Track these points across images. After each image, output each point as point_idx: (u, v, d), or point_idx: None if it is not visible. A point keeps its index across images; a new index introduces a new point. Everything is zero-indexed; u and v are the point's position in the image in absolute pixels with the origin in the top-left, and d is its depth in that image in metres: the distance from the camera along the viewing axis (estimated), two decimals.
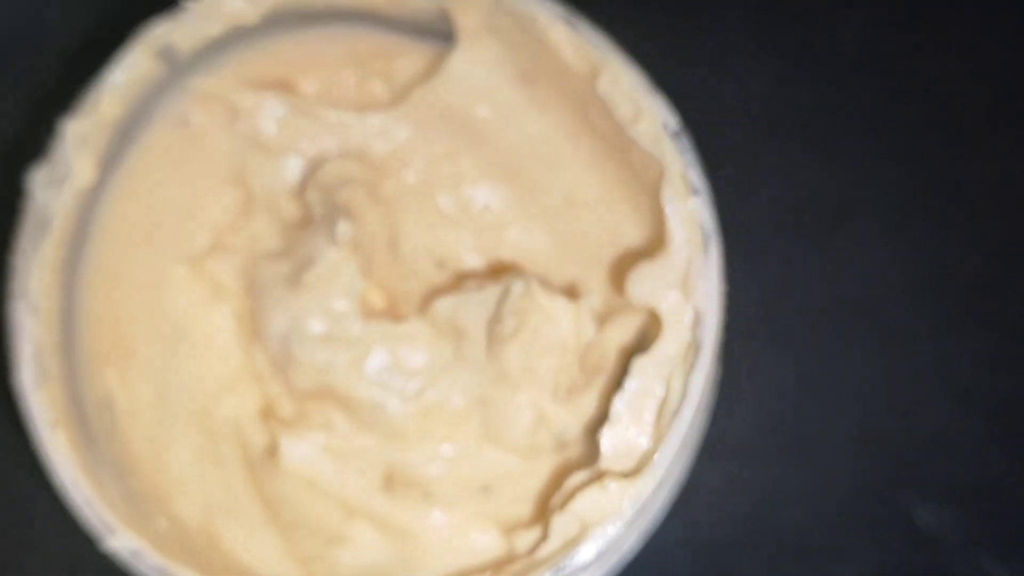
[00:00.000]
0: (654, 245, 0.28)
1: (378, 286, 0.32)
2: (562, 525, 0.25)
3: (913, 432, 0.35)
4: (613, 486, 0.25)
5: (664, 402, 0.26)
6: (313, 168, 0.31)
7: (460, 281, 0.31)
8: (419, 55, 0.32)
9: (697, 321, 0.26)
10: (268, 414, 0.31)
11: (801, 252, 0.36)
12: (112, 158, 0.29)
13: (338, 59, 0.32)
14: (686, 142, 0.26)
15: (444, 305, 0.29)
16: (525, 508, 0.30)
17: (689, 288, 0.26)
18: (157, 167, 0.30)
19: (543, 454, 0.30)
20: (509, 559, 0.27)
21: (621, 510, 0.24)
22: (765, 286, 0.36)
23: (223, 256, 0.32)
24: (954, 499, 0.35)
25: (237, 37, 0.29)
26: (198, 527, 0.29)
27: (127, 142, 0.29)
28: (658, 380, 0.26)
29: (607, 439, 0.26)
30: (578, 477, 0.26)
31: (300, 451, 0.30)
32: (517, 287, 0.28)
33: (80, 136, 0.27)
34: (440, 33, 0.30)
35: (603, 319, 0.30)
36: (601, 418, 0.28)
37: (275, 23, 0.29)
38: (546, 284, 0.29)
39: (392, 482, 0.30)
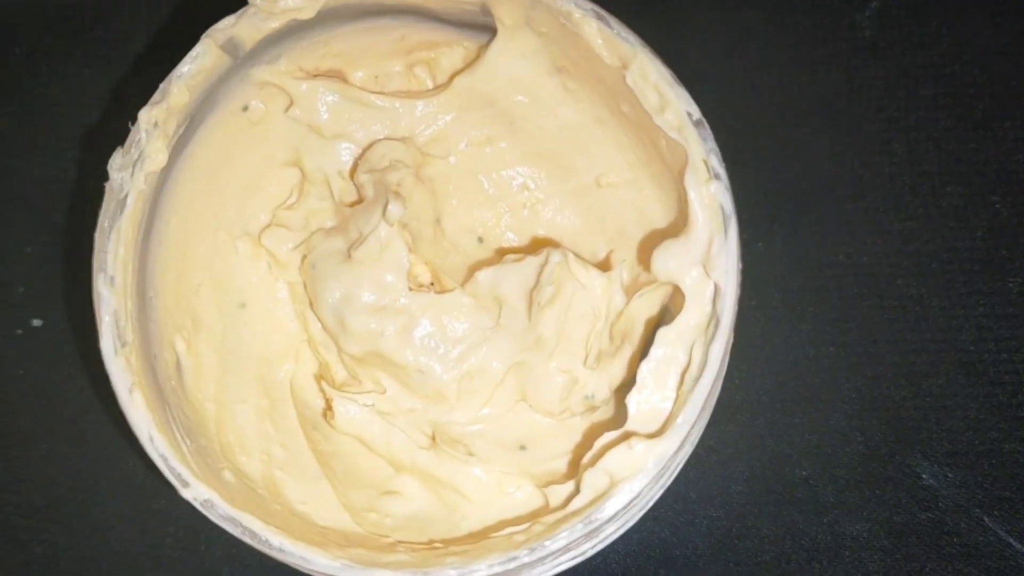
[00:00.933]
0: (678, 225, 0.29)
1: (424, 261, 0.33)
2: (592, 480, 0.27)
3: (918, 397, 0.36)
4: (639, 445, 0.26)
5: (686, 369, 0.27)
6: (363, 150, 0.32)
7: (500, 256, 0.32)
8: (462, 47, 0.33)
9: (717, 295, 0.27)
10: (322, 378, 0.33)
11: (815, 229, 0.37)
12: (180, 142, 0.30)
13: (386, 50, 0.33)
14: (707, 130, 0.28)
15: (486, 276, 0.31)
16: (558, 465, 0.31)
17: (710, 265, 0.27)
18: (220, 150, 0.32)
19: (574, 416, 0.32)
20: (544, 511, 0.29)
21: (646, 467, 0.26)
22: (780, 261, 0.37)
23: (280, 232, 0.33)
24: (958, 461, 0.36)
25: (294, 30, 0.30)
26: (260, 480, 0.31)
27: (194, 127, 0.30)
28: (681, 349, 0.28)
29: (634, 403, 0.28)
30: (607, 437, 0.27)
31: (352, 412, 0.32)
32: (555, 257, 0.30)
33: (152, 123, 0.28)
34: (481, 27, 0.32)
35: (631, 292, 0.31)
36: (628, 383, 0.30)
37: (328, 17, 0.30)
38: (580, 258, 0.30)
39: (437, 442, 0.32)
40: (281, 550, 0.26)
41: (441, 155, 0.33)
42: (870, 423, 0.36)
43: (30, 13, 0.37)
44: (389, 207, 0.30)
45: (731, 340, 0.29)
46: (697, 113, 0.28)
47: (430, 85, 0.34)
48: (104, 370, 0.27)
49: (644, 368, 0.28)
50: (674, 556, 0.36)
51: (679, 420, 0.26)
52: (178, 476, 0.26)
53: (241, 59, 0.30)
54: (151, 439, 0.27)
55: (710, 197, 0.27)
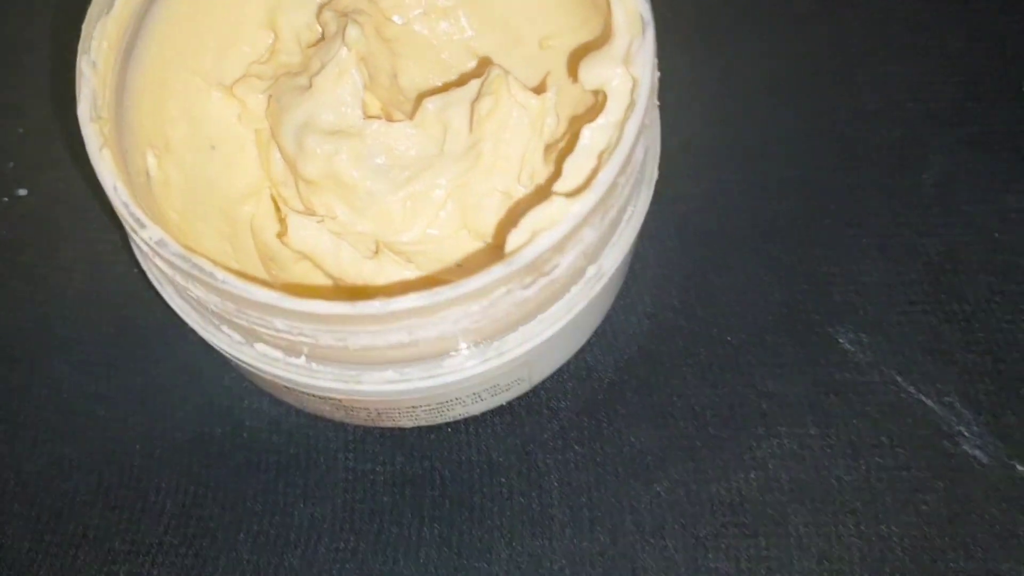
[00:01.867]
0: (604, 37, 0.32)
1: (379, 100, 0.36)
2: (516, 236, 0.28)
3: (838, 271, 0.39)
4: (558, 201, 0.28)
5: (606, 151, 0.30)
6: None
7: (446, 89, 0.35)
8: None
9: (636, 86, 0.30)
10: (280, 208, 0.35)
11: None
12: None
13: None
14: None
15: (433, 102, 0.34)
16: None
17: (630, 63, 0.30)
18: (203, 3, 0.35)
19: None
20: None
21: (563, 219, 0.28)
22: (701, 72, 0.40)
23: (252, 83, 0.36)
24: (872, 328, 0.38)
25: None
26: None
27: None
28: (603, 140, 0.30)
29: (559, 187, 0.30)
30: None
31: (304, 230, 0.34)
32: (494, 71, 0.32)
33: None
34: None
35: (569, 121, 0.34)
36: None
37: None
38: (519, 81, 0.33)
39: (380, 253, 0.34)
40: (224, 282, 0.27)
41: (400, 17, 0.36)
42: (795, 293, 0.38)
43: None
44: (348, 30, 0.33)
45: (652, 158, 0.31)
46: None
47: None
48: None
49: (569, 161, 0.30)
50: (595, 399, 0.37)
51: (596, 182, 0.28)
52: (136, 219, 0.28)
53: None
54: (115, 188, 0.29)
55: (631, 6, 0.30)
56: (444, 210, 0.34)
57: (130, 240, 0.33)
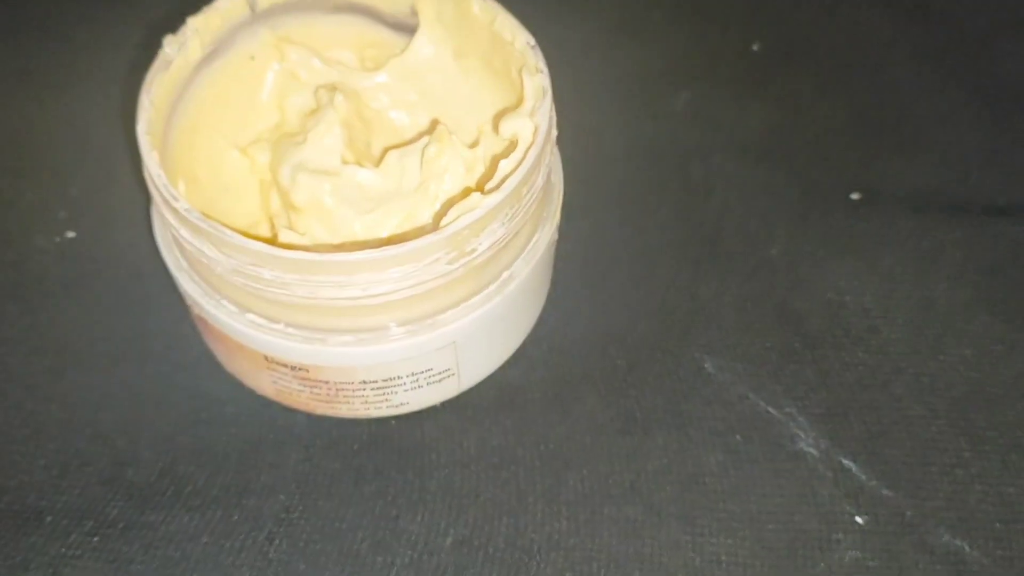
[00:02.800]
0: (517, 103, 0.44)
1: (355, 155, 0.47)
2: (445, 220, 0.39)
3: (697, 301, 0.49)
4: (476, 196, 0.39)
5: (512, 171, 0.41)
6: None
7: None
8: (397, 46, 0.50)
9: (536, 131, 0.41)
10: (273, 231, 0.46)
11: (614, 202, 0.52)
12: (208, 59, 0.45)
13: (348, 41, 0.50)
14: (539, 52, 0.43)
15: (394, 153, 0.45)
16: None
17: (534, 114, 0.42)
18: (230, 80, 0.47)
19: None
20: None
21: (479, 207, 0.39)
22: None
23: (261, 146, 0.48)
24: (730, 353, 0.47)
25: (290, 9, 0.47)
26: None
27: (217, 54, 0.46)
28: (512, 164, 0.41)
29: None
30: None
31: (292, 238, 0.44)
32: (440, 128, 0.44)
33: (195, 27, 0.44)
34: (412, 30, 0.49)
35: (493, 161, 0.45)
36: None
37: (313, 5, 0.47)
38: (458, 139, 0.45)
39: None
40: (231, 236, 0.38)
41: (376, 104, 0.49)
42: (670, 326, 0.48)
43: None
44: (336, 98, 0.45)
45: (555, 198, 0.43)
46: (533, 41, 0.44)
47: (374, 67, 0.50)
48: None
49: (489, 184, 0.42)
50: (514, 404, 0.46)
51: (503, 185, 0.39)
52: (171, 193, 0.39)
53: (256, 16, 0.47)
54: (158, 175, 0.39)
55: (536, 83, 0.43)
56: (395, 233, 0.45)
57: (157, 233, 0.44)
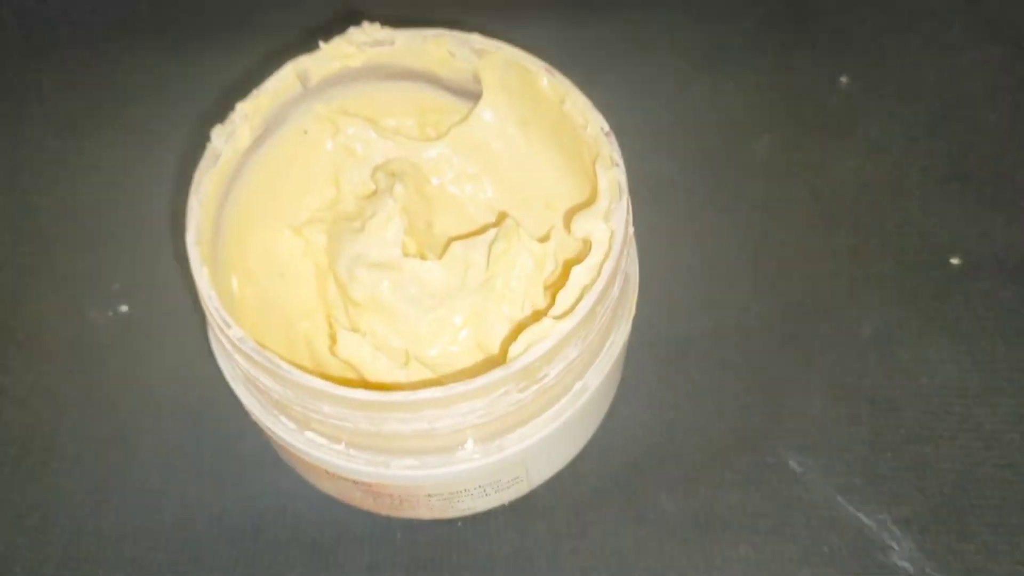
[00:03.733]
0: (591, 200, 0.40)
1: (416, 243, 0.44)
2: (515, 349, 0.36)
3: (786, 401, 0.45)
4: (547, 321, 0.36)
5: (588, 286, 0.37)
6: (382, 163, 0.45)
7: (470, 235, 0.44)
8: (459, 113, 0.46)
9: (612, 237, 0.38)
10: (331, 324, 0.43)
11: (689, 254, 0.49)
12: (259, 140, 0.42)
13: (406, 108, 0.46)
14: (613, 138, 0.40)
15: (459, 245, 0.42)
16: None
17: (608, 218, 0.38)
18: (283, 158, 0.44)
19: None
20: None
21: (550, 336, 0.36)
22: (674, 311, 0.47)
23: (315, 226, 0.45)
24: (818, 451, 0.44)
25: (345, 80, 0.44)
26: None
27: (269, 133, 0.43)
28: (588, 277, 0.38)
29: (552, 313, 0.38)
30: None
31: (351, 342, 0.42)
32: (509, 222, 0.41)
33: (244, 113, 0.41)
34: (474, 95, 0.45)
35: (561, 263, 0.42)
36: None
37: (368, 75, 0.44)
38: (528, 232, 0.42)
39: (409, 364, 0.41)
40: (289, 372, 0.35)
41: (437, 179, 0.45)
42: (748, 420, 0.45)
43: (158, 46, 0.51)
44: (395, 188, 0.42)
45: (630, 296, 0.39)
46: (607, 127, 0.40)
47: (435, 135, 0.46)
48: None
49: (561, 294, 0.38)
50: (584, 503, 0.44)
51: (578, 307, 0.36)
52: (224, 320, 0.36)
53: (308, 91, 0.43)
54: (209, 296, 0.37)
55: (611, 177, 0.39)
56: (463, 331, 0.42)
57: (212, 342, 0.41)
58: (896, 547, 0.42)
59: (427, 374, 0.41)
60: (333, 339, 0.43)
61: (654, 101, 0.53)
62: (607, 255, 0.38)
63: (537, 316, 0.41)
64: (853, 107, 0.54)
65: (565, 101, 0.41)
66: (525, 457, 0.40)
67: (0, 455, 0.45)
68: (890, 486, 0.43)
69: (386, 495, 0.41)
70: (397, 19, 0.43)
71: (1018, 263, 0.48)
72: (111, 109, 0.56)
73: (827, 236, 0.50)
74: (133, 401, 0.47)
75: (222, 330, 0.36)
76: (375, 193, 0.44)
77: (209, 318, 0.37)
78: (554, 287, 0.41)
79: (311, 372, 0.36)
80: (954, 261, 0.49)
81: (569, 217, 0.42)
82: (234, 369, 0.40)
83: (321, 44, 0.42)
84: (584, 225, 0.39)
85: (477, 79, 0.44)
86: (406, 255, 0.43)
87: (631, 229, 0.39)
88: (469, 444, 0.38)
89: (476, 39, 0.42)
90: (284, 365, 0.35)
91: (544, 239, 0.42)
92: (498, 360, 0.41)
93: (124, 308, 0.50)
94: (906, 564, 0.41)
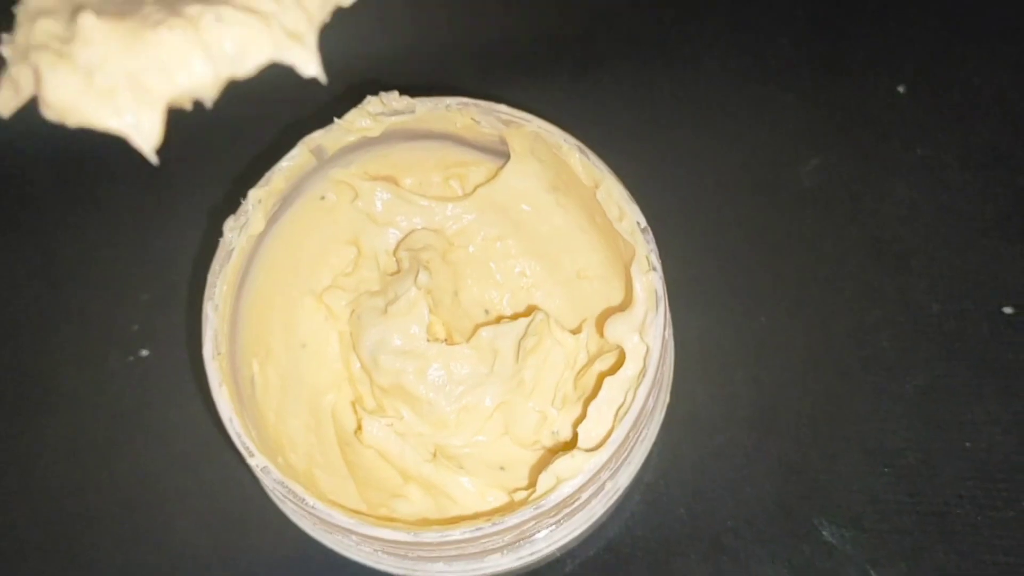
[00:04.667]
0: (626, 303, 0.38)
1: (442, 322, 0.43)
2: (544, 480, 0.35)
3: (827, 471, 0.44)
4: (579, 455, 0.35)
5: (622, 405, 0.36)
6: (405, 235, 0.43)
7: (498, 319, 0.42)
8: (485, 166, 0.43)
9: (648, 354, 0.36)
10: (356, 404, 0.42)
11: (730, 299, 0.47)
12: (274, 217, 0.40)
13: (429, 165, 0.43)
14: (650, 234, 0.37)
15: (487, 332, 0.40)
16: (528, 482, 0.40)
17: (645, 332, 0.36)
18: (301, 227, 0.42)
19: (544, 448, 0.40)
20: (509, 507, 0.37)
21: (583, 471, 0.34)
22: (711, 372, 0.46)
23: (337, 293, 0.43)
24: (853, 523, 0.44)
25: (363, 144, 0.41)
26: (302, 473, 0.40)
27: (285, 207, 0.41)
28: (620, 392, 0.36)
29: (583, 430, 0.36)
30: (561, 456, 0.36)
31: (376, 431, 0.41)
32: (539, 316, 0.39)
33: (258, 199, 0.39)
34: (500, 152, 0.42)
35: (593, 356, 0.40)
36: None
37: (389, 137, 0.41)
38: (559, 323, 0.40)
39: (437, 457, 0.41)
40: (314, 507, 0.35)
41: (462, 245, 0.43)
42: (784, 487, 0.44)
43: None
44: (419, 275, 0.40)
45: (663, 388, 0.38)
46: (644, 222, 0.37)
47: (460, 193, 0.44)
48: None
49: (593, 406, 0.37)
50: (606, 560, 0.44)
51: (610, 440, 0.35)
52: (246, 448, 0.36)
53: (324, 161, 0.41)
54: (230, 420, 0.36)
55: (648, 283, 0.37)
56: (491, 420, 0.41)
57: None
58: None
59: (455, 471, 0.40)
60: (359, 418, 0.42)
61: (686, 124, 0.50)
62: (641, 374, 0.36)
63: (567, 403, 0.40)
64: (906, 126, 0.50)
65: (599, 187, 0.38)
66: (555, 551, 0.39)
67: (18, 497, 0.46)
68: (926, 564, 0.43)
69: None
70: (415, 87, 0.40)
71: None
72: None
73: (874, 277, 0.47)
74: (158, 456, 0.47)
75: (246, 458, 0.36)
76: (398, 272, 0.42)
77: (233, 441, 0.36)
78: (584, 380, 0.40)
79: (335, 504, 0.35)
80: (1007, 311, 0.46)
81: (603, 300, 0.40)
82: None
83: (336, 120, 0.39)
84: (617, 332, 0.37)
85: (504, 142, 0.41)
86: (432, 338, 0.41)
87: (670, 341, 0.37)
88: (499, 554, 0.38)
89: (503, 109, 0.39)
90: (308, 499, 0.35)
91: (576, 331, 0.40)
92: (530, 452, 0.41)
93: (144, 352, 0.49)
94: None
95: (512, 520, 0.34)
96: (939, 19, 0.52)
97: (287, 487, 0.35)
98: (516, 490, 0.39)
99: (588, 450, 0.35)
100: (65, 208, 0.51)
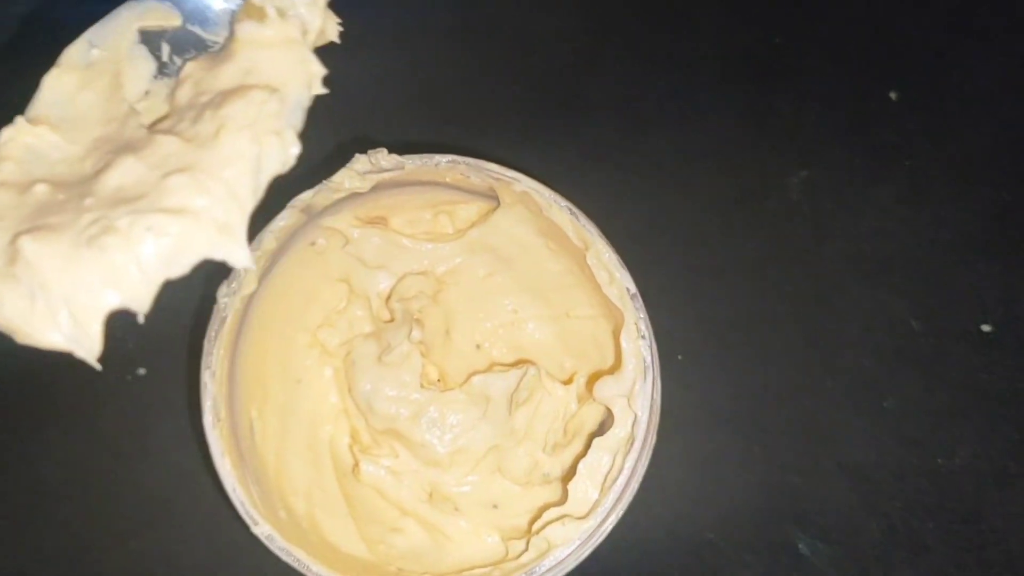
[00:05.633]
0: (615, 365, 0.39)
1: (434, 363, 0.44)
2: (537, 543, 0.37)
3: (803, 488, 0.46)
4: (571, 523, 0.37)
5: (610, 469, 0.38)
6: (395, 281, 0.43)
7: (491, 365, 0.43)
8: (475, 205, 0.43)
9: (635, 422, 0.37)
10: (353, 440, 0.44)
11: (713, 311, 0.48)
12: (265, 271, 0.41)
13: (419, 204, 0.43)
14: (640, 301, 0.38)
15: (479, 380, 0.42)
16: (521, 521, 0.42)
17: (632, 399, 0.38)
18: (292, 273, 0.42)
19: (535, 486, 0.42)
20: (504, 559, 0.39)
21: (573, 539, 0.36)
22: (695, 384, 0.47)
23: (330, 330, 0.44)
24: (828, 536, 0.46)
25: (352, 198, 0.41)
26: (304, 516, 0.41)
27: (275, 260, 0.41)
28: (608, 455, 0.38)
29: (573, 489, 0.38)
30: (551, 513, 0.38)
31: (373, 470, 0.42)
32: (532, 371, 0.40)
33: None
34: (489, 196, 0.42)
35: (582, 401, 0.42)
36: (574, 465, 0.40)
37: (378, 187, 0.41)
38: (550, 374, 0.41)
39: (433, 497, 0.42)
40: (318, 573, 0.37)
41: (453, 283, 0.44)
42: (762, 500, 0.47)
43: None
44: (412, 332, 0.41)
45: (647, 450, 0.39)
46: (634, 288, 0.38)
47: (450, 230, 0.44)
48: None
49: (581, 465, 0.39)
50: None
51: (599, 508, 0.37)
52: (251, 517, 0.37)
53: (313, 215, 0.41)
54: (234, 490, 0.37)
55: (636, 351, 0.38)
56: (484, 461, 0.42)
57: None
58: None
59: (451, 513, 0.42)
60: (356, 458, 0.43)
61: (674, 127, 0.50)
62: (628, 442, 0.37)
63: (557, 448, 0.42)
64: (899, 132, 0.50)
65: (588, 250, 0.39)
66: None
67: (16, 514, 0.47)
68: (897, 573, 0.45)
69: None
70: (403, 144, 0.40)
71: None
72: None
73: (856, 292, 0.48)
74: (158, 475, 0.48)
75: (250, 526, 0.37)
76: (391, 321, 0.43)
77: (237, 510, 0.38)
78: (575, 423, 0.42)
79: (338, 565, 0.37)
80: (985, 328, 0.48)
81: (598, 364, 0.41)
82: None
83: (324, 181, 0.39)
84: (606, 394, 0.39)
85: (493, 190, 0.41)
86: (425, 382, 0.42)
87: (657, 399, 0.38)
88: None
89: (493, 168, 0.39)
90: (314, 567, 0.37)
91: (567, 382, 0.41)
92: (518, 485, 0.42)
93: (142, 371, 0.50)
94: None
95: None
96: (933, 22, 0.51)
97: (292, 555, 0.37)
98: (510, 531, 0.41)
99: (578, 518, 0.37)
100: None
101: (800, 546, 0.46)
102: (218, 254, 0.25)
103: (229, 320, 0.39)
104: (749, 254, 0.49)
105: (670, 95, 0.51)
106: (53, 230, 0.24)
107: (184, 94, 0.28)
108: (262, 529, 0.37)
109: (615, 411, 0.38)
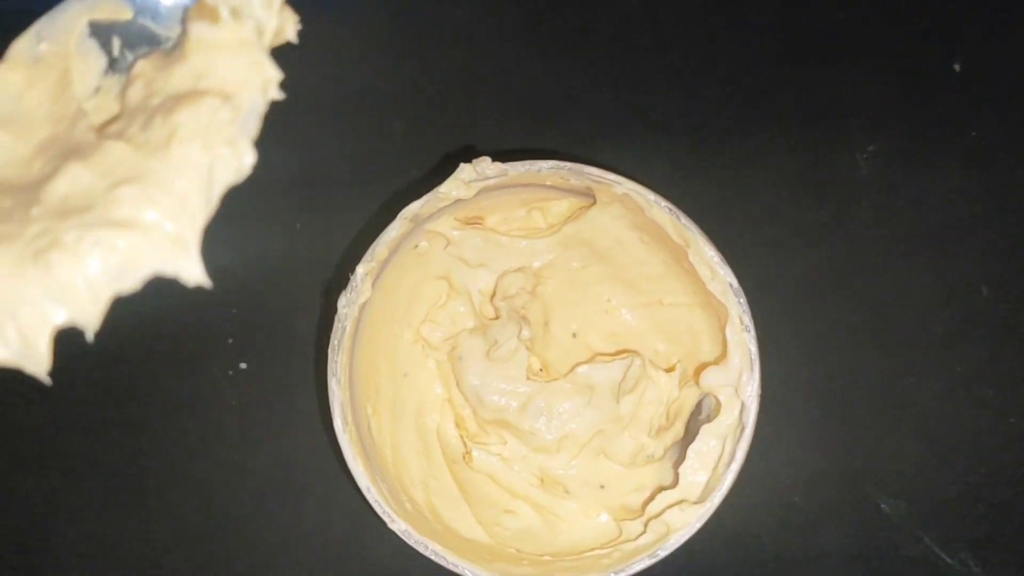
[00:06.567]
0: (720, 356, 0.41)
1: (536, 355, 0.46)
2: (656, 527, 0.40)
3: (883, 451, 0.49)
4: (689, 509, 0.39)
5: (721, 455, 0.40)
6: (494, 277, 0.45)
7: (591, 351, 0.45)
8: (566, 201, 0.45)
9: (743, 410, 0.40)
10: (459, 426, 0.46)
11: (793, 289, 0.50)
12: (376, 278, 0.42)
13: (513, 203, 0.45)
14: (743, 295, 0.40)
15: (584, 370, 0.44)
16: (628, 500, 0.44)
17: (740, 389, 0.40)
18: (398, 273, 0.44)
19: (638, 466, 0.45)
20: (618, 539, 0.42)
21: (691, 523, 0.39)
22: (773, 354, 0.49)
23: (432, 325, 0.46)
24: (909, 496, 0.49)
25: (456, 204, 0.42)
26: (424, 505, 0.44)
27: (385, 266, 0.43)
28: (716, 440, 0.40)
29: (685, 473, 0.41)
30: (665, 497, 0.41)
31: (484, 457, 0.45)
32: (637, 362, 0.42)
33: (365, 272, 0.41)
34: (584, 193, 0.43)
35: (682, 385, 0.44)
36: (673, 444, 0.43)
37: (479, 191, 0.42)
38: (652, 362, 0.43)
39: (543, 482, 0.45)
40: (455, 564, 0.39)
41: (549, 277, 0.46)
42: (844, 466, 0.49)
43: None
44: (522, 331, 0.43)
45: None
46: (736, 283, 0.40)
47: (543, 225, 0.46)
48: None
49: (691, 450, 0.41)
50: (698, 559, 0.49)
51: (715, 493, 0.39)
52: (387, 514, 0.40)
53: (419, 222, 0.42)
54: (368, 490, 0.40)
55: (742, 343, 0.40)
56: (590, 445, 0.45)
57: None
58: None
59: (562, 496, 0.44)
60: (467, 446, 0.46)
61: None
62: (739, 429, 0.40)
63: (661, 431, 0.44)
64: (965, 104, 0.51)
65: (690, 248, 0.40)
66: None
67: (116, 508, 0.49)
68: (969, 527, 0.48)
69: None
70: (505, 152, 0.41)
71: None
72: None
73: (928, 261, 0.50)
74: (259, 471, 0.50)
75: (386, 523, 0.40)
76: (496, 319, 0.45)
77: (375, 510, 0.40)
78: (676, 406, 0.44)
79: (465, 547, 0.40)
80: None
81: (693, 350, 0.43)
82: None
83: (432, 192, 0.41)
84: (713, 383, 0.41)
85: (588, 189, 0.43)
86: (530, 373, 0.44)
87: (760, 391, 0.40)
88: None
89: (594, 172, 0.41)
90: (450, 558, 0.39)
91: (670, 370, 0.44)
92: (623, 466, 0.45)
93: (243, 366, 0.51)
94: None
95: (631, 569, 0.39)
96: None
97: (427, 547, 0.39)
98: (619, 510, 0.44)
99: (695, 503, 0.39)
100: None
101: (882, 506, 0.49)
102: (169, 269, 0.24)
103: (349, 327, 0.41)
104: (819, 227, 0.50)
105: (731, 75, 0.52)
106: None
107: (135, 94, 0.27)
108: (398, 525, 0.40)
109: (722, 399, 0.40)
